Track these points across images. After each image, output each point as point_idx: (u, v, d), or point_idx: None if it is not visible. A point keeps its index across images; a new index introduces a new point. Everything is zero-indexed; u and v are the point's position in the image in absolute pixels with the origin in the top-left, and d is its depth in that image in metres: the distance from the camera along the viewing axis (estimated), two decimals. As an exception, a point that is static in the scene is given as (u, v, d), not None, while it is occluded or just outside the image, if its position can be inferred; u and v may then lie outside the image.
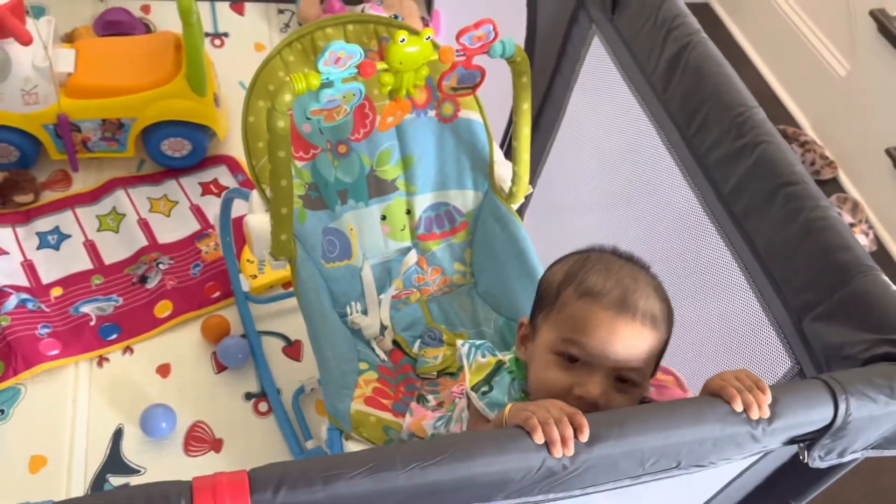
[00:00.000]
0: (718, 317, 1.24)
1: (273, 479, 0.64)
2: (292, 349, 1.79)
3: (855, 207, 2.41)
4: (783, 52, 2.83)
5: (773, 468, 0.99)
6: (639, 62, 1.33)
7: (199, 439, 1.62)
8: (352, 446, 1.30)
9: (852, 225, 2.35)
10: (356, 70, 1.19)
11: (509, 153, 1.57)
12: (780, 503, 1.02)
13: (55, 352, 1.67)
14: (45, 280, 1.81)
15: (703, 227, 1.24)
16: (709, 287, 1.25)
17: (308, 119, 1.43)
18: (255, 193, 1.43)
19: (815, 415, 0.80)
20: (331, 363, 1.34)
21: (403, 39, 1.22)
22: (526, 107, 1.42)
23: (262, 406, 1.68)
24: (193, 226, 1.97)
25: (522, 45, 1.44)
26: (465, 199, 1.57)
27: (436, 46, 1.26)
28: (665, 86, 1.26)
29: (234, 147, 2.13)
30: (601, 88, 1.50)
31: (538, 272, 1.45)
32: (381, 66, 1.23)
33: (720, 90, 1.16)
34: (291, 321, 1.82)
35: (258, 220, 1.39)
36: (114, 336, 1.74)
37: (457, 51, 1.27)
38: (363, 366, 1.41)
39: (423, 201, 1.55)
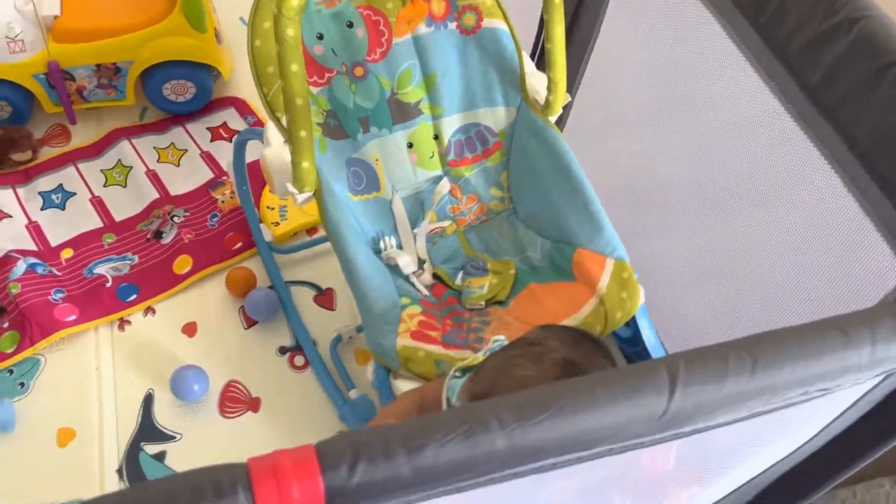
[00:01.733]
0: (806, 231, 1.09)
1: (346, 453, 0.51)
2: (324, 298, 1.67)
3: None
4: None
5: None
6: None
7: (235, 399, 1.52)
8: (401, 384, 1.20)
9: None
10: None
11: (540, 65, 1.42)
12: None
13: (72, 317, 1.56)
14: (53, 242, 1.69)
15: (780, 129, 1.09)
16: (790, 199, 1.10)
17: (319, 39, 1.29)
18: (269, 126, 1.29)
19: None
20: (370, 298, 1.23)
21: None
22: (558, 0, 1.26)
23: (298, 360, 1.58)
24: (206, 174, 1.83)
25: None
26: (496, 116, 1.43)
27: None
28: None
29: (242, 88, 1.97)
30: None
31: (585, 188, 1.32)
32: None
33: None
34: (321, 268, 1.70)
35: (275, 152, 1.27)
36: (133, 297, 1.62)
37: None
38: (405, 300, 1.29)
39: (451, 124, 1.42)
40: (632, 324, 1.30)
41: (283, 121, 1.26)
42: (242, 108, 1.96)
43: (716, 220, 1.36)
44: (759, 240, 1.14)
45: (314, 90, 1.32)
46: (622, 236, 1.30)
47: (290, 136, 1.14)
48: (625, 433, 0.60)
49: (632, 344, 1.38)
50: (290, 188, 1.21)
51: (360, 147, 1.37)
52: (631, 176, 1.59)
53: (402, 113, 1.38)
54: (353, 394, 1.48)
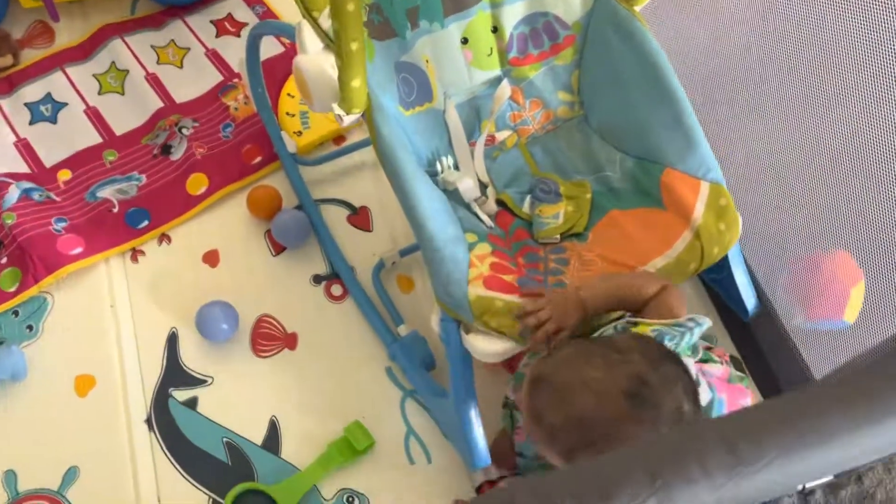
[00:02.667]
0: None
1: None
2: (359, 218, 1.48)
3: None
4: None
5: None
6: None
7: (269, 336, 1.36)
8: (477, 341, 1.04)
9: None
10: None
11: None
12: None
13: (78, 250, 1.38)
14: (47, 163, 1.49)
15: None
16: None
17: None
18: (304, 27, 1.07)
19: None
20: (435, 240, 1.05)
21: None
22: None
23: (336, 289, 1.41)
24: (214, 76, 1.60)
25: None
26: (568, 4, 1.21)
27: None
28: None
29: (246, -30, 1.71)
30: None
31: (678, 96, 1.13)
32: None
33: None
34: (353, 184, 1.50)
35: (313, 61, 1.05)
36: (144, 223, 1.44)
37: None
38: (471, 238, 1.12)
39: (514, 13, 1.20)
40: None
41: (322, 22, 1.04)
42: (249, -7, 1.71)
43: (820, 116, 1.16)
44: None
45: (352, -23, 1.09)
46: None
47: (338, 48, 0.92)
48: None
49: (712, 271, 1.22)
50: (336, 109, 1.01)
51: (410, 47, 1.16)
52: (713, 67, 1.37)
53: (455, 1, 1.16)
54: (402, 329, 1.33)
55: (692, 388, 0.86)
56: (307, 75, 1.05)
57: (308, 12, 1.06)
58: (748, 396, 1.00)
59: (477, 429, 1.12)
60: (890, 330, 1.09)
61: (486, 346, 1.05)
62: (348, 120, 1.05)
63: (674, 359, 0.88)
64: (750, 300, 1.21)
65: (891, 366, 0.41)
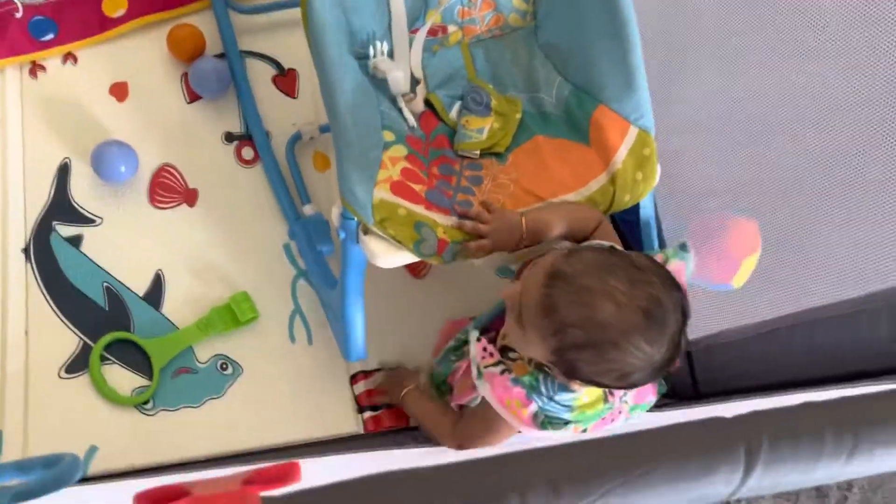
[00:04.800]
0: (882, 163, 0.91)
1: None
2: (286, 80, 1.40)
3: None
4: None
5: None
6: None
7: (169, 188, 1.31)
8: (373, 244, 1.03)
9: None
10: None
11: None
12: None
13: (-30, 52, 1.27)
14: (-54, -56, 1.33)
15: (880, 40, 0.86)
16: (872, 131, 0.91)
17: None
18: None
19: None
20: (349, 132, 1.01)
21: None
22: None
23: (247, 152, 1.35)
24: None
25: None
26: None
27: None
28: None
29: None
30: None
31: (630, 32, 1.08)
32: None
33: None
34: (286, 42, 1.41)
35: None
36: (50, 36, 1.32)
37: None
38: (388, 136, 1.07)
39: None
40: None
41: None
42: None
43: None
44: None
45: None
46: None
47: None
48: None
49: (624, 212, 1.23)
50: (267, -29, 0.92)
51: (362, -85, 1.06)
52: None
53: None
54: (307, 209, 1.29)
55: (685, 318, 0.88)
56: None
57: None
58: None
59: (358, 324, 1.13)
60: (769, 303, 1.12)
61: (382, 252, 1.03)
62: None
63: (679, 287, 0.88)
64: (651, 249, 1.23)
65: (722, 426, 0.42)
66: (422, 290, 1.34)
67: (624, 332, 0.82)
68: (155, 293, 1.25)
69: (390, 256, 1.04)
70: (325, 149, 1.37)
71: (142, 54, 1.36)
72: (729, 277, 1.19)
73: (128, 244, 1.26)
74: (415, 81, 1.16)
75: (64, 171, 1.28)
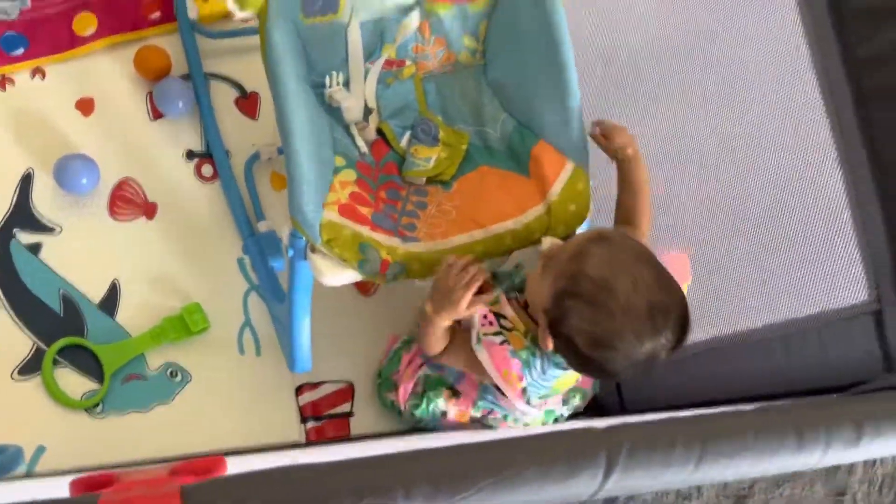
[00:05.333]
0: (790, 210, 1.01)
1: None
2: (248, 102, 1.47)
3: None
4: None
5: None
6: None
7: (128, 200, 1.36)
8: (319, 262, 1.09)
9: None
10: None
11: None
12: None
13: (-59, 63, 1.31)
14: (-77, -43, 1.38)
15: (804, 90, 0.96)
16: (791, 169, 1.00)
17: None
18: None
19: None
20: (300, 158, 1.07)
21: None
22: None
23: (207, 169, 1.41)
24: (128, -89, 1.50)
25: None
26: (494, -47, 1.20)
27: None
28: None
29: None
30: None
31: (570, 76, 1.16)
32: None
33: None
34: (250, 65, 1.46)
35: (218, -53, 1.02)
36: (20, 51, 1.37)
37: None
38: (339, 161, 1.15)
39: (440, -53, 1.18)
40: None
41: None
42: None
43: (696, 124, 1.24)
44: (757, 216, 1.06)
45: None
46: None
47: (239, -56, 0.90)
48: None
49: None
50: (231, 5, 1.00)
51: (324, -46, 1.13)
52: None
53: (384, -81, 1.14)
54: (262, 226, 1.36)
55: (671, 349, 0.95)
56: (208, -40, 1.02)
57: None
58: None
59: (304, 337, 1.19)
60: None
61: (327, 270, 1.10)
62: (241, 16, 1.04)
63: (687, 326, 0.95)
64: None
65: (590, 436, 0.49)
66: (370, 308, 1.40)
67: (624, 309, 0.89)
68: (110, 301, 1.30)
69: (335, 275, 1.10)
70: (282, 169, 1.42)
71: (109, 72, 1.41)
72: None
73: (86, 253, 1.31)
74: (368, 111, 1.24)
75: (27, 181, 1.33)
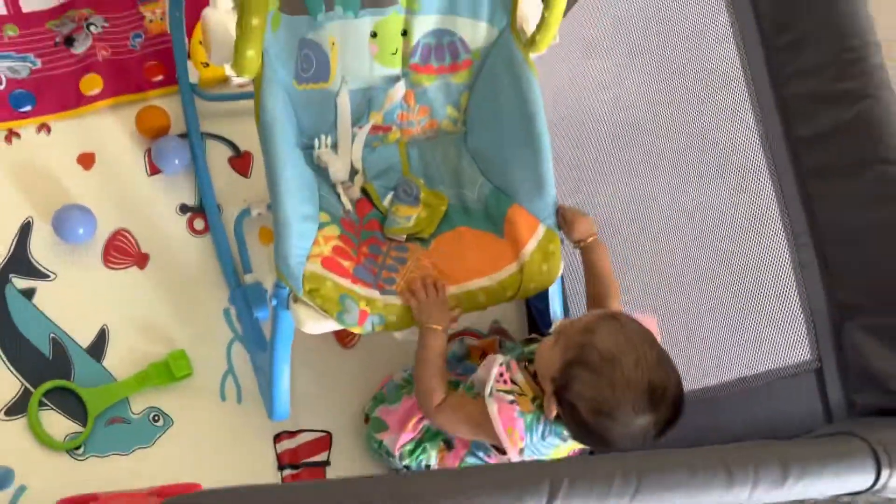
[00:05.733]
0: (741, 275, 1.08)
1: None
2: (240, 161, 1.55)
3: None
4: None
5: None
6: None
7: (122, 250, 1.43)
8: (301, 311, 1.15)
9: None
10: None
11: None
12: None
13: (-48, 116, 1.39)
14: (-57, 19, 1.47)
15: (753, 163, 1.05)
16: (740, 237, 1.08)
17: None
18: (220, -21, 1.13)
19: (852, 482, 0.69)
20: (287, 213, 1.14)
21: None
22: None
23: (199, 223, 1.48)
24: (138, -18, 1.61)
25: None
26: (475, 31, 1.30)
27: None
28: (763, -32, 1.00)
29: None
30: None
31: (542, 146, 1.25)
32: None
33: (836, 7, 0.91)
34: (244, 127, 1.56)
35: (221, 18, 1.11)
36: (28, 107, 1.46)
37: None
38: (324, 217, 1.22)
39: (425, 24, 1.27)
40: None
41: (237, -14, 1.10)
42: (195, -90, 1.71)
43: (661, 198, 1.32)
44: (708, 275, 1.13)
45: (280, -50, 1.15)
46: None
47: (240, 17, 0.99)
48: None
49: (537, 299, 1.38)
50: (228, 69, 1.08)
51: (319, 28, 1.22)
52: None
53: (374, -4, 1.24)
54: (248, 278, 1.42)
55: (662, 431, 0.99)
56: (210, 30, 1.11)
57: (227, -30, 1.11)
58: None
59: (283, 385, 1.24)
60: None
61: (308, 319, 1.15)
62: (238, 81, 1.12)
63: (681, 411, 0.99)
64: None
65: (537, 466, 0.55)
66: (349, 360, 1.45)
67: (626, 382, 0.96)
68: (98, 346, 1.35)
69: (316, 324, 1.16)
70: (271, 224, 1.50)
71: (111, 129, 1.49)
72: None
73: (78, 300, 1.37)
74: (354, 171, 1.32)
75: (26, 229, 1.39)
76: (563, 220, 1.22)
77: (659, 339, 1.21)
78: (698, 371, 1.14)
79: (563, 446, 1.10)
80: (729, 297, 1.10)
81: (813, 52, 0.93)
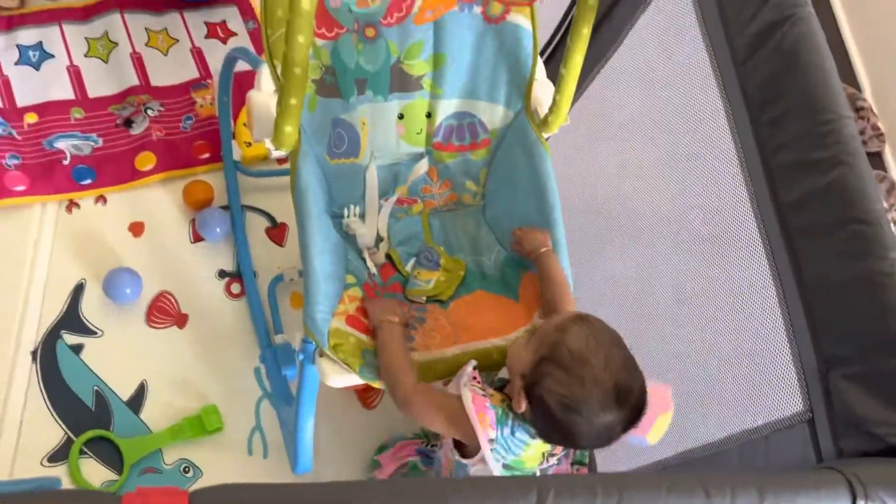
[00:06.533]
0: (737, 333, 1.14)
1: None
2: (276, 231, 1.67)
3: (891, 190, 2.27)
4: None
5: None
6: (725, 16, 1.15)
7: (164, 311, 1.54)
8: (326, 365, 1.23)
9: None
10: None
11: (549, 71, 1.42)
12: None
13: (21, 187, 1.54)
14: (20, 102, 1.65)
15: (745, 228, 1.12)
16: (735, 298, 1.15)
17: (340, -7, 1.26)
18: (264, 70, 1.27)
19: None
20: (316, 273, 1.24)
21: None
22: (586, 31, 1.24)
23: (235, 287, 1.59)
24: (192, 71, 1.78)
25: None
26: (493, 114, 1.42)
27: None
28: (748, 56, 1.10)
29: (250, -10, 1.90)
30: (671, 31, 1.32)
31: (555, 217, 1.34)
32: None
33: (812, 86, 1.00)
34: (280, 200, 1.70)
35: (263, 100, 1.24)
36: (88, 181, 1.60)
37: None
38: (350, 279, 1.31)
39: (448, 107, 1.40)
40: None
41: (279, 70, 1.24)
42: (246, 8, 1.90)
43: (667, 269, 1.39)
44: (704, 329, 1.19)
45: (319, 42, 1.28)
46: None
47: (280, 98, 1.12)
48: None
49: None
50: (268, 143, 1.21)
51: (351, 109, 1.35)
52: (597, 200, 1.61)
53: (402, 83, 1.36)
54: (278, 338, 1.51)
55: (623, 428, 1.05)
56: (254, 109, 1.24)
57: (270, 59, 1.25)
58: None
59: (307, 437, 1.30)
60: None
61: (332, 372, 1.23)
62: (276, 154, 1.24)
63: (641, 412, 1.05)
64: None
65: (525, 480, 0.61)
66: (370, 420, 1.52)
67: (594, 381, 1.00)
68: (137, 399, 1.44)
69: (339, 377, 1.24)
70: (301, 290, 1.61)
71: (160, 201, 1.63)
72: (644, 432, 1.39)
73: (121, 355, 1.47)
74: (379, 239, 1.42)
75: (79, 290, 1.51)
76: (514, 238, 1.30)
77: (671, 409, 1.26)
78: (706, 427, 1.18)
79: (532, 443, 1.13)
80: (731, 356, 1.16)
81: (794, 125, 1.02)
